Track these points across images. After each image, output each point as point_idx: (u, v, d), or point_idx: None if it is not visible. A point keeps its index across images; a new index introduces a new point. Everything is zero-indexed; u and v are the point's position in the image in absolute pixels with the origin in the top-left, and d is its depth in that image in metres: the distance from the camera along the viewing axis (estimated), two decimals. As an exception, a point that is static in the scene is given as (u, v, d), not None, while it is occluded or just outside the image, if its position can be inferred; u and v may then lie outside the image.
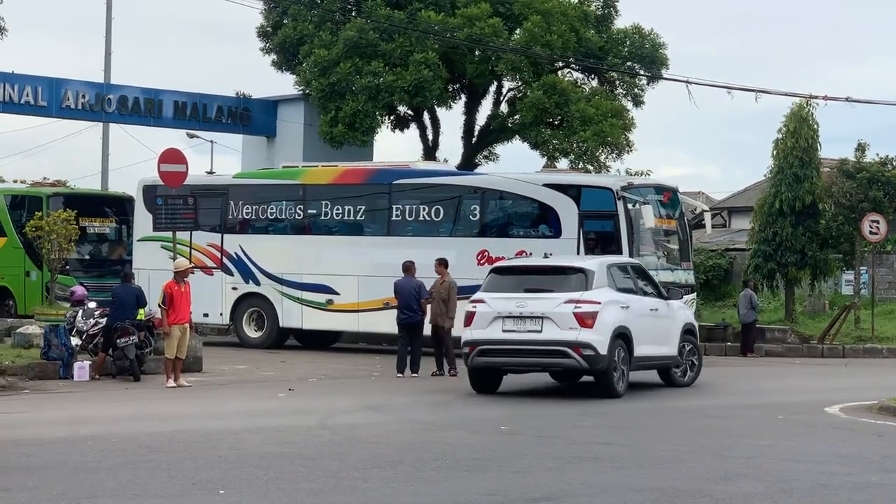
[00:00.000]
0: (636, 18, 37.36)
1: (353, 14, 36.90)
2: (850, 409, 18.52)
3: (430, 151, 38.21)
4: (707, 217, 31.00)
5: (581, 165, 34.91)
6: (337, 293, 28.90)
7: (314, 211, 29.73)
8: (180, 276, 21.91)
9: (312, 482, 11.58)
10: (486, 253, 27.33)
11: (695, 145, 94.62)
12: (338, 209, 29.41)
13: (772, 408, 18.55)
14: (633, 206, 26.22)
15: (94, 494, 10.99)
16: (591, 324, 19.15)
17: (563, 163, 36.01)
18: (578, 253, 26.22)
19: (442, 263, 24.05)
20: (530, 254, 26.58)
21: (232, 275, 30.13)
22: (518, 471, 12.35)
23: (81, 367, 22.20)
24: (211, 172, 33.87)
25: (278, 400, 19.55)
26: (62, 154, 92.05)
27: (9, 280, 32.52)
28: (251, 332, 30.11)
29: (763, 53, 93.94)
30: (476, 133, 38.56)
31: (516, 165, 45.46)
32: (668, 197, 27.70)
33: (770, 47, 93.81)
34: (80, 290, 25.78)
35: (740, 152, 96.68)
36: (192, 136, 45.84)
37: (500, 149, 39.26)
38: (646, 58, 36.57)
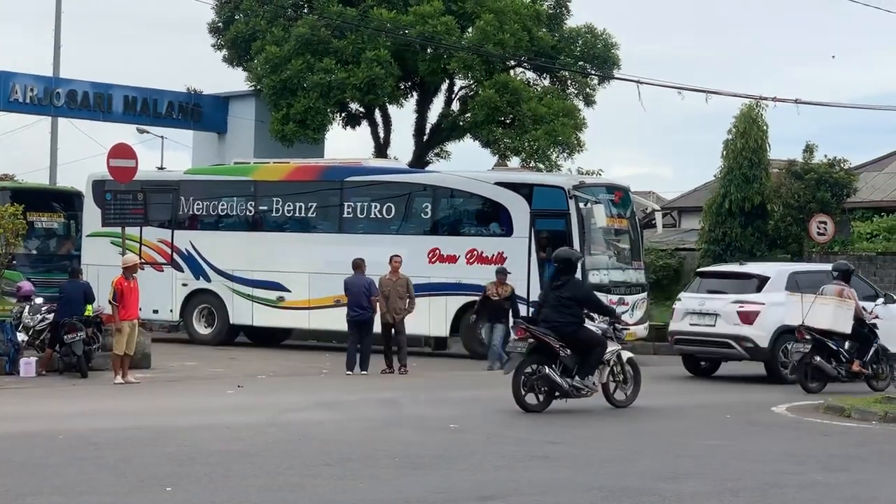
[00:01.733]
0: (588, 18, 37.51)
1: (305, 11, 36.81)
2: (797, 408, 18.67)
3: (381, 149, 38.17)
4: (658, 217, 31.15)
5: (532, 164, 34.97)
6: (288, 290, 28.81)
7: (265, 207, 29.64)
8: (129, 271, 21.77)
9: (262, 479, 11.54)
10: (438, 251, 27.35)
11: (647, 145, 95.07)
12: (289, 206, 29.29)
13: (719, 407, 18.67)
14: (585, 205, 26.27)
15: (40, 491, 10.90)
16: (752, 321, 22.76)
17: (514, 161, 36.11)
18: (530, 252, 26.26)
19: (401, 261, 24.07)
20: (482, 252, 26.64)
21: (182, 271, 29.96)
22: (468, 469, 12.36)
23: (28, 363, 22.03)
24: (162, 168, 33.72)
25: (227, 397, 19.47)
26: (10, 148, 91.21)
27: (-46, 275, 32.16)
28: (201, 329, 29.97)
29: (715, 55, 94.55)
30: (427, 131, 38.55)
31: (468, 164, 45.40)
32: (619, 196, 27.77)
33: (721, 49, 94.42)
34: (27, 285, 25.57)
35: (692, 152, 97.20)
36: (142, 132, 45.52)
37: (451, 147, 39.34)
38: (598, 57, 36.69)
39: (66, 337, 22.04)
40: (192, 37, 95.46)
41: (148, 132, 46.30)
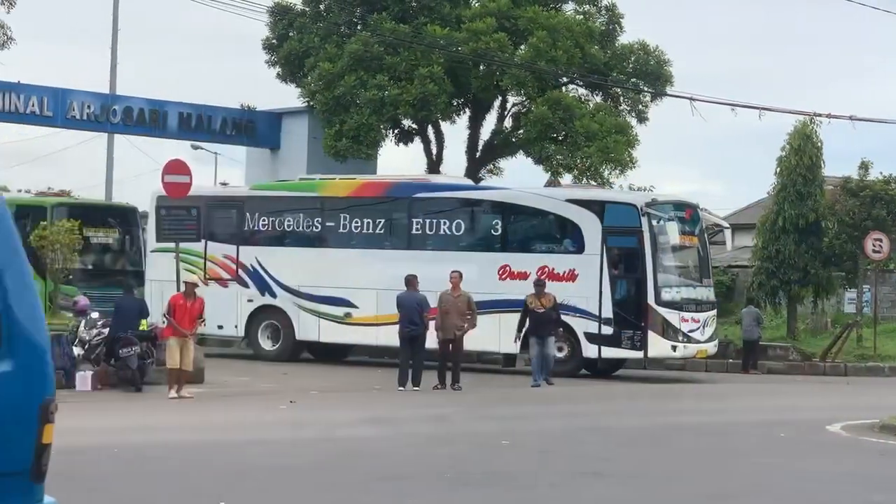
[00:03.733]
0: (641, 35, 37.30)
1: (359, 27, 36.95)
2: (852, 427, 18.49)
3: (433, 165, 38.21)
4: (727, 234, 30.74)
5: (584, 181, 34.91)
6: (355, 306, 28.70)
7: (332, 223, 29.46)
8: (189, 288, 21.79)
9: (313, 494, 11.57)
10: (508, 268, 27.28)
11: (698, 162, 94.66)
12: (356, 222, 29.14)
13: (773, 425, 18.52)
14: (658, 222, 26.29)
15: (95, 505, 10.98)
16: None
17: (566, 178, 36.04)
18: (602, 269, 26.26)
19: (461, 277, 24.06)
20: (553, 269, 26.58)
21: (247, 287, 29.88)
22: (520, 486, 12.33)
23: (83, 377, 22.19)
24: (224, 184, 33.76)
25: (280, 412, 19.52)
26: (67, 164, 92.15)
27: (12, 289, 32.43)
28: (266, 345, 29.89)
29: (768, 72, 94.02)
30: (480, 147, 38.57)
31: (520, 180, 45.43)
32: (689, 213, 27.72)
33: (775, 66, 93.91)
34: (83, 300, 25.79)
35: (744, 169, 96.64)
36: (196, 148, 45.89)
37: (503, 163, 39.32)
38: (650, 74, 36.61)
39: (120, 351, 22.20)
40: (246, 54, 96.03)
41: (202, 148, 46.68)
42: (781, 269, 33.47)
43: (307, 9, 37.86)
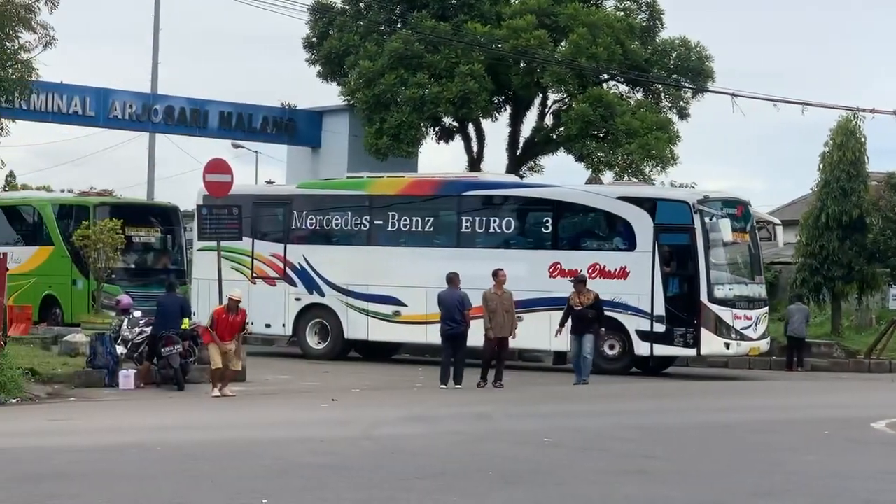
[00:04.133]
0: (682, 31, 37.22)
1: (399, 26, 36.99)
2: (898, 424, 18.32)
3: (474, 163, 38.21)
4: (779, 231, 30.37)
5: (626, 178, 34.79)
6: (405, 304, 28.69)
7: (381, 221, 29.37)
8: (232, 303, 21.78)
9: (355, 492, 11.57)
10: (559, 265, 27.23)
11: (740, 158, 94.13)
12: (405, 220, 29.11)
13: (817, 423, 18.38)
14: (710, 219, 26.23)
15: (138, 503, 11.03)
16: None
17: (607, 175, 35.94)
18: (653, 266, 26.21)
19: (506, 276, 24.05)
20: (604, 266, 26.53)
21: (295, 285, 29.85)
22: (561, 483, 12.29)
23: (126, 376, 22.32)
24: (271, 182, 33.70)
25: (322, 410, 19.56)
26: (109, 164, 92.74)
27: (56, 288, 32.73)
28: (314, 343, 29.84)
29: (810, 66, 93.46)
30: (521, 145, 38.53)
31: (561, 177, 45.24)
32: (740, 210, 27.61)
33: (817, 60, 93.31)
34: (125, 299, 25.95)
35: (785, 165, 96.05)
36: (237, 147, 46.03)
37: (544, 160, 39.32)
38: (691, 70, 36.47)
39: (163, 350, 22.31)
40: (286, 52, 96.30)
41: (243, 147, 46.83)
42: (825, 266, 33.26)
43: (347, 7, 37.96)
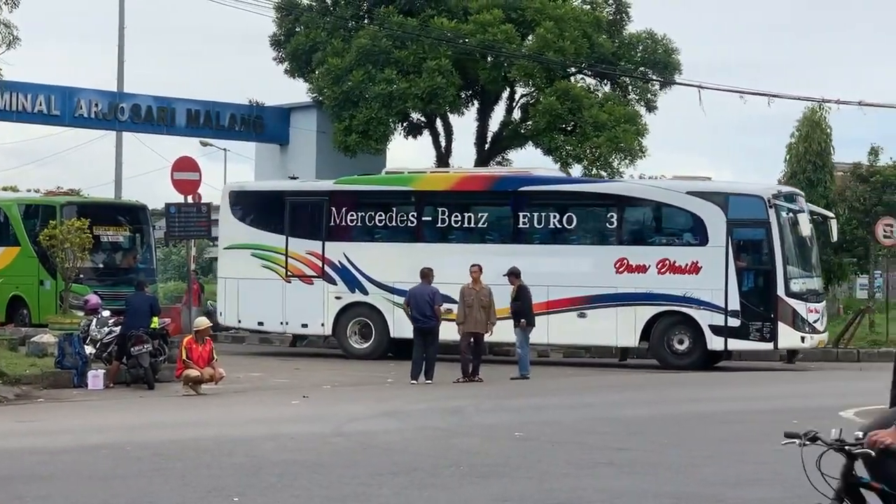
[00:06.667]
0: (648, 24, 37.26)
1: (366, 21, 36.93)
2: (866, 413, 18.37)
3: (442, 158, 38.20)
4: (833, 224, 29.48)
5: (594, 171, 34.85)
6: (455, 302, 28.23)
7: (429, 218, 28.89)
8: (200, 335, 21.71)
9: (327, 489, 11.56)
10: (626, 261, 27.07)
11: (708, 149, 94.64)
12: (456, 216, 28.67)
13: (786, 412, 18.41)
14: (785, 213, 26.40)
15: (108, 503, 10.99)
16: None
17: (576, 169, 36.00)
18: (727, 261, 26.24)
19: (481, 270, 23.92)
20: (674, 262, 26.59)
21: (335, 284, 29.10)
22: (533, 477, 12.31)
23: (95, 376, 22.23)
24: (294, 178, 33.12)
25: (293, 407, 19.54)
26: (76, 163, 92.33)
27: (23, 289, 32.53)
28: (356, 343, 29.15)
29: (776, 59, 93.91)
30: (489, 139, 38.55)
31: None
32: (802, 203, 27.75)
33: (783, 53, 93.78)
34: (94, 298, 25.85)
35: (752, 157, 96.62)
36: (205, 145, 45.90)
37: (512, 155, 39.34)
38: (658, 63, 36.56)
39: (132, 349, 22.24)
40: (253, 50, 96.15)
41: (211, 145, 46.69)
42: (793, 256, 33.36)
43: (314, 4, 37.86)
